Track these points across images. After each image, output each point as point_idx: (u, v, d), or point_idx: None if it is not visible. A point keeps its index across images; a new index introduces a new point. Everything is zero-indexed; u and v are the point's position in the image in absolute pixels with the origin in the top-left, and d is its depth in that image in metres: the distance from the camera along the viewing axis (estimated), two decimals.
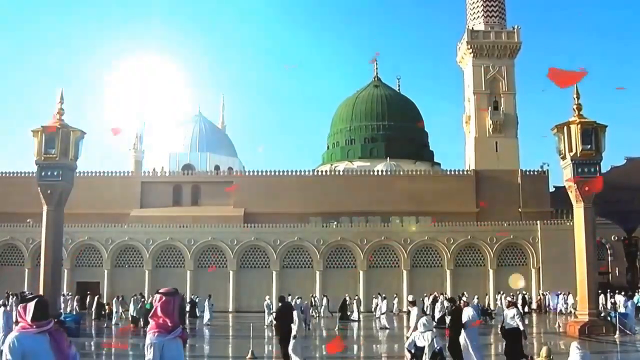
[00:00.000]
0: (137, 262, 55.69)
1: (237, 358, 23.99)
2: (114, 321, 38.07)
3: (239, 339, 31.48)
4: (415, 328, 17.84)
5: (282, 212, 59.35)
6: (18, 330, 5.96)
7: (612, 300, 42.05)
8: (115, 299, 41.79)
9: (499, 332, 19.43)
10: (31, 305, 5.99)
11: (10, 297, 40.40)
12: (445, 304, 35.88)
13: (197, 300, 46.76)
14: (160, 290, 6.41)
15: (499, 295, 49.03)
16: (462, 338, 17.11)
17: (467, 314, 17.37)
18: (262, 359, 20.51)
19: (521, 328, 17.49)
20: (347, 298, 45.91)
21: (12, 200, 58.45)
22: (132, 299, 38.69)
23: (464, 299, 19.38)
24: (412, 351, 17.62)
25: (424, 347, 17.05)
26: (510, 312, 18.13)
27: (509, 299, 18.97)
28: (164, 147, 79.83)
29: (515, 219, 59.61)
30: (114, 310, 39.94)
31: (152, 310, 6.34)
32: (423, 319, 17.90)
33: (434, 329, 18.06)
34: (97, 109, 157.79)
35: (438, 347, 16.89)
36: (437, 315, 36.10)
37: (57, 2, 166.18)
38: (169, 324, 6.13)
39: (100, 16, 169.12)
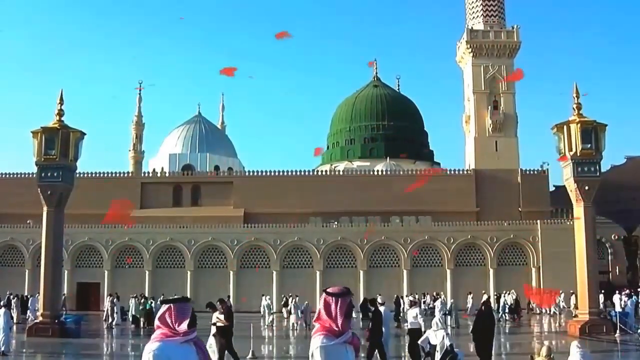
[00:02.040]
0: (138, 262, 55.68)
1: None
2: (115, 321, 37.97)
3: (239, 339, 31.47)
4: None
5: (282, 212, 59.36)
6: (158, 338, 5.00)
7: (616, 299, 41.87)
8: (111, 298, 41.54)
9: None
10: (183, 310, 5.04)
11: (12, 297, 40.50)
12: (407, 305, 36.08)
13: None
14: (327, 289, 5.52)
15: (470, 295, 48.29)
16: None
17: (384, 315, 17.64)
18: (262, 359, 20.50)
19: (422, 328, 17.49)
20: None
21: (12, 201, 58.49)
22: (133, 299, 38.63)
23: (379, 300, 19.38)
24: (427, 349, 17.71)
25: (437, 345, 17.22)
26: (412, 312, 18.20)
27: (410, 298, 18.95)
28: (163, 148, 79.90)
29: (515, 219, 59.63)
30: (115, 310, 39.82)
31: (317, 312, 5.51)
32: (436, 318, 17.99)
33: (446, 328, 18.17)
34: (97, 109, 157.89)
35: (449, 345, 16.96)
36: (438, 315, 36.08)
37: (57, 2, 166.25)
38: (335, 328, 5.24)
39: (99, 16, 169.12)
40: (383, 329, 17.67)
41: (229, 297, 41.47)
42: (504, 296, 44.85)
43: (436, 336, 17.29)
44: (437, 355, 17.08)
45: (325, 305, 5.35)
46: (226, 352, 17.74)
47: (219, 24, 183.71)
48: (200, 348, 5.14)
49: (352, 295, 5.45)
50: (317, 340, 5.26)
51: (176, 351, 4.93)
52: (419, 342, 18.18)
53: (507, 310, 42.56)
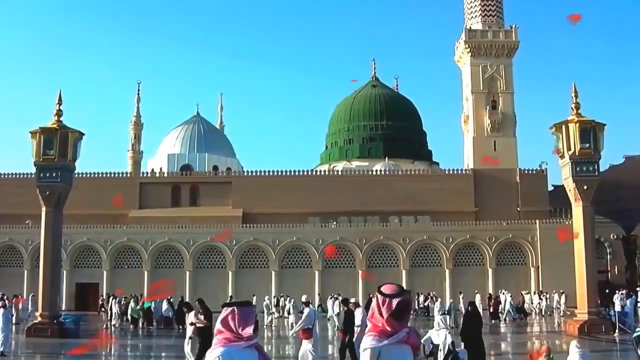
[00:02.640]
0: (136, 262, 55.64)
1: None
2: (113, 321, 37.95)
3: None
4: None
5: (280, 212, 59.37)
6: (221, 342, 4.79)
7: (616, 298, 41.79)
8: (114, 299, 41.56)
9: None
10: (247, 313, 4.84)
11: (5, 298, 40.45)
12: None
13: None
14: (380, 288, 5.20)
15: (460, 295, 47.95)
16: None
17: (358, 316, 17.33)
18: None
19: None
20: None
21: (11, 202, 58.48)
22: (132, 299, 38.60)
23: (352, 300, 19.10)
24: (430, 349, 17.71)
25: (439, 344, 17.22)
26: (356, 313, 17.97)
27: (353, 300, 18.70)
28: (162, 148, 79.86)
29: (513, 218, 59.67)
30: (114, 310, 39.79)
31: (370, 311, 5.18)
32: (439, 318, 17.97)
33: (448, 327, 18.14)
34: (96, 109, 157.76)
35: (451, 344, 16.98)
36: (438, 315, 36.08)
37: (55, 2, 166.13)
38: (388, 328, 4.96)
39: (97, 16, 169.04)
40: (359, 329, 17.47)
41: (231, 297, 41.24)
42: (508, 296, 44.68)
43: (439, 335, 17.30)
44: (440, 355, 17.09)
45: (377, 304, 5.10)
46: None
47: (218, 23, 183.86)
48: (262, 353, 4.92)
49: (406, 293, 5.14)
50: (366, 341, 5.05)
51: (240, 356, 4.74)
52: (422, 341, 18.13)
53: (515, 310, 42.78)
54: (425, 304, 47.05)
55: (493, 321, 39.39)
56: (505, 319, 40.96)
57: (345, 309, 18.86)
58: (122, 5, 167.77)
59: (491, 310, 42.16)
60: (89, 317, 42.60)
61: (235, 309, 4.82)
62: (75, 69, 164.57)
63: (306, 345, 16.22)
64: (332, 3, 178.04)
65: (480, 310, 28.36)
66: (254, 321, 4.81)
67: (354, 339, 17.31)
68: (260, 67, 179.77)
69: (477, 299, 42.31)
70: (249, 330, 4.75)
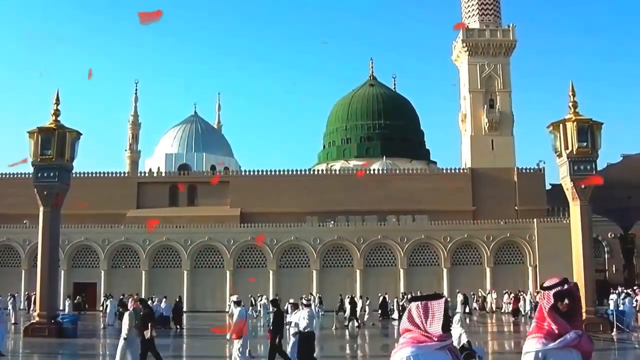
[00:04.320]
0: (134, 262, 55.60)
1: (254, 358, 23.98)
2: (108, 321, 37.89)
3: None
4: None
5: (278, 212, 59.37)
6: (409, 342, 4.11)
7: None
8: (111, 298, 41.56)
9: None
10: (436, 308, 4.13)
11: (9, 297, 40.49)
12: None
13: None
14: (544, 284, 4.53)
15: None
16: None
17: (302, 316, 16.93)
18: (259, 359, 20.48)
19: (307, 329, 16.78)
20: (386, 297, 45.96)
21: (8, 202, 58.46)
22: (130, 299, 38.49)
23: (304, 301, 18.43)
24: None
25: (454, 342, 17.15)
26: (303, 313, 17.41)
27: (304, 300, 18.07)
28: (160, 148, 79.81)
29: (511, 217, 59.70)
30: (109, 310, 39.73)
31: (537, 311, 4.54)
32: (457, 316, 17.93)
33: (465, 327, 18.11)
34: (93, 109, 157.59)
35: (466, 342, 16.95)
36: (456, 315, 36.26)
37: (54, 2, 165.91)
38: (554, 328, 4.30)
39: (96, 15, 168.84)
40: (294, 329, 17.27)
41: (277, 295, 40.45)
42: (528, 295, 45.78)
43: (453, 334, 17.28)
44: None
45: (540, 302, 4.49)
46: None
47: (215, 23, 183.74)
48: (456, 357, 4.26)
49: (570, 284, 4.48)
50: (530, 344, 4.41)
51: (432, 359, 4.08)
52: None
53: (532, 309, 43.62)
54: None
55: (513, 318, 41.67)
56: (525, 317, 42.63)
57: (275, 309, 18.26)
58: (119, 5, 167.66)
59: (511, 308, 44.96)
60: (86, 317, 42.58)
61: (427, 304, 4.16)
62: (72, 68, 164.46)
63: (236, 345, 16.17)
64: (330, 2, 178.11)
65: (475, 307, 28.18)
66: (443, 317, 4.11)
67: (294, 340, 17.05)
68: (258, 66, 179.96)
69: (459, 298, 42.81)
70: (438, 328, 4.09)
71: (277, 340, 17.09)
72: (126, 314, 16.93)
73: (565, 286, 4.37)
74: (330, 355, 23.12)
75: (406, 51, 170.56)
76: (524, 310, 44.39)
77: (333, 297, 48.16)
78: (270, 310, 19.00)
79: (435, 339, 4.06)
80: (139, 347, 16.52)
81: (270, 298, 40.76)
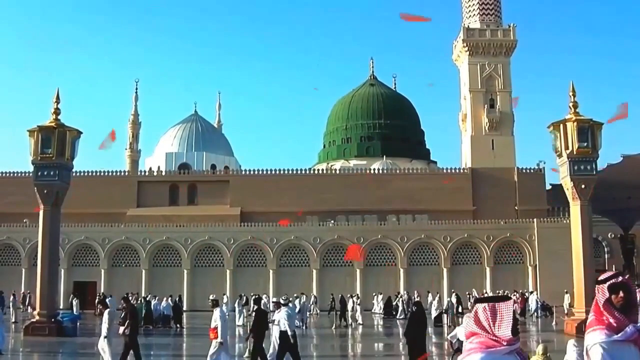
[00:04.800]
0: (134, 261, 55.61)
1: (234, 357, 23.98)
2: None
3: (237, 339, 31.48)
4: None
5: (278, 211, 59.34)
6: (478, 348, 3.95)
7: None
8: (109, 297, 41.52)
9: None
10: (504, 311, 3.93)
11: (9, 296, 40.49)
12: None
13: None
14: (599, 278, 4.31)
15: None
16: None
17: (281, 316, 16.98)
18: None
19: (289, 332, 16.65)
20: (393, 296, 45.97)
21: (8, 200, 58.49)
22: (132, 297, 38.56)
23: (281, 300, 18.45)
24: (456, 345, 17.62)
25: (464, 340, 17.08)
26: (282, 314, 17.38)
27: (282, 300, 18.11)
28: (160, 147, 79.82)
29: (511, 217, 59.70)
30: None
31: (593, 305, 4.28)
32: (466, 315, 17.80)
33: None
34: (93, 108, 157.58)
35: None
36: (434, 313, 36.22)
37: (53, 1, 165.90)
38: (612, 321, 4.10)
39: (95, 15, 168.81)
40: (277, 329, 17.24)
41: (286, 297, 40.27)
42: (534, 295, 46.20)
43: (457, 332, 17.26)
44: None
45: (596, 296, 4.28)
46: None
47: (216, 22, 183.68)
48: (523, 358, 4.06)
49: (625, 276, 4.24)
50: (593, 336, 4.16)
51: None
52: (449, 337, 17.91)
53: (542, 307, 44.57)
54: (433, 302, 47.10)
55: (521, 318, 41.37)
56: (532, 316, 43.48)
57: (256, 307, 18.19)
58: (119, 4, 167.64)
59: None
60: (86, 316, 42.57)
61: (490, 305, 3.96)
62: (73, 67, 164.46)
63: (213, 344, 16.22)
64: (330, 2, 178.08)
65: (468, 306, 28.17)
66: (512, 320, 3.93)
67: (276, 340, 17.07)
68: (258, 65, 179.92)
69: (430, 299, 42.04)
70: (507, 332, 3.90)
71: (258, 341, 17.01)
72: (105, 313, 16.90)
73: (620, 278, 4.18)
74: (328, 355, 23.11)
75: (406, 51, 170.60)
76: (531, 310, 44.88)
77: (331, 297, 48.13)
78: (253, 308, 18.99)
79: (505, 343, 3.89)
80: (122, 345, 16.67)
81: (271, 298, 40.89)
